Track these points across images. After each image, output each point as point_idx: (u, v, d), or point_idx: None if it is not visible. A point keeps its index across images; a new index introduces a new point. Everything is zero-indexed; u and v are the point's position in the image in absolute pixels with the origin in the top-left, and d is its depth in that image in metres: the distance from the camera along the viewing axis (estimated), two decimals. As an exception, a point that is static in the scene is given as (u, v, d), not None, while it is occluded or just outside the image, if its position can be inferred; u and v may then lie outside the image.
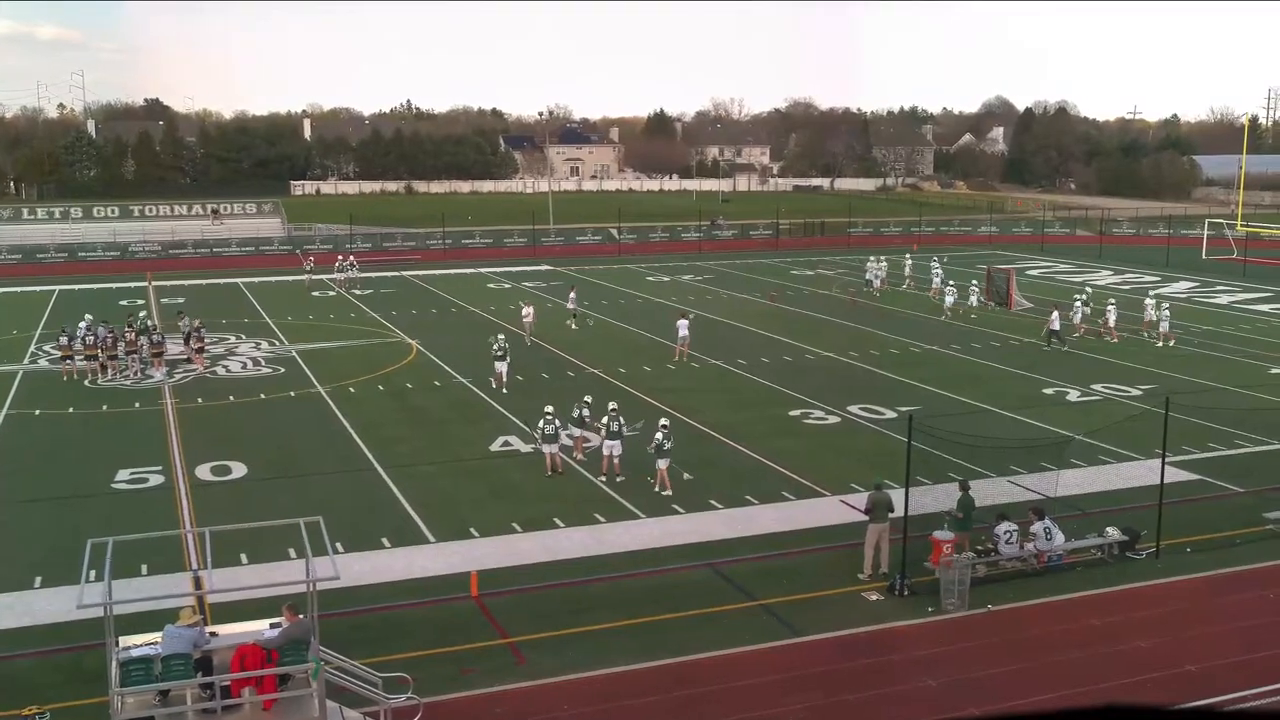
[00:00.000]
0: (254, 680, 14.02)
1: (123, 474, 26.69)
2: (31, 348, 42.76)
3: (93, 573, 15.11)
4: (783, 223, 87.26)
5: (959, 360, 39.98)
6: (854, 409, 32.52)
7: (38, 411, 32.94)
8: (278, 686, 14.13)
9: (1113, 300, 45.80)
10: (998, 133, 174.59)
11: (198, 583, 19.69)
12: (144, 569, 20.13)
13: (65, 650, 17.65)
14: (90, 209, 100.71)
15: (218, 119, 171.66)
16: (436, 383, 36.48)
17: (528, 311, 43.28)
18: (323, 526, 15.28)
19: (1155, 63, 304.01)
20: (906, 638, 18.29)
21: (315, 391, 35.31)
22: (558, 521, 23.35)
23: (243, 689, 14.00)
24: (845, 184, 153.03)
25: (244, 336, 45.16)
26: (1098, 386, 35.49)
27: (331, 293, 57.67)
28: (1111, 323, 43.60)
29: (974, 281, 51.92)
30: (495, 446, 28.96)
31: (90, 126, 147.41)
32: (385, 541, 22.27)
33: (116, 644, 14.13)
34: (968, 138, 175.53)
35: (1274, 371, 37.91)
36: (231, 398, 34.74)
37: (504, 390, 34.29)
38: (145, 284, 61.88)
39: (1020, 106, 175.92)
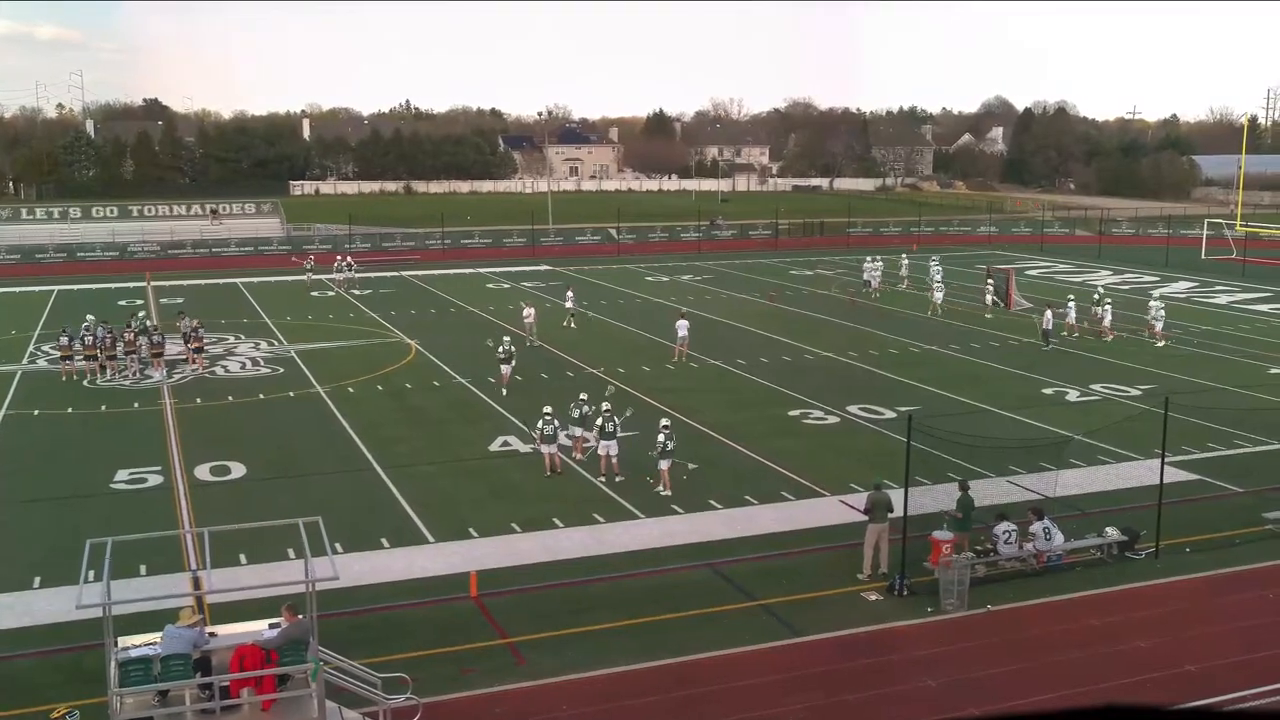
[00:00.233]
0: (253, 681, 14.01)
1: (122, 474, 26.68)
2: (30, 348, 42.74)
3: (92, 573, 15.11)
4: (782, 223, 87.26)
5: (958, 360, 39.99)
6: (853, 409, 32.52)
7: (36, 412, 32.93)
8: (277, 687, 14.12)
9: (1109, 300, 45.84)
10: (997, 133, 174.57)
11: (197, 583, 19.68)
12: (143, 569, 20.12)
13: (64, 650, 17.64)
14: (89, 209, 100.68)
15: (217, 119, 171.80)
16: (436, 383, 36.48)
17: (529, 312, 43.23)
18: (322, 527, 15.26)
19: (1155, 63, 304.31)
20: (906, 638, 18.28)
21: (314, 391, 35.30)
22: (557, 521, 23.34)
23: (242, 689, 13.99)
24: (844, 184, 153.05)
25: (243, 336, 45.14)
26: (1097, 386, 35.50)
27: (330, 293, 57.66)
28: (1107, 322, 43.63)
29: (989, 282, 51.52)
30: (494, 446, 28.95)
31: (89, 126, 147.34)
32: (384, 542, 22.27)
33: (115, 644, 14.12)
34: (967, 138, 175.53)
35: (1273, 371, 37.91)
36: (230, 398, 34.73)
37: (503, 391, 34.15)
38: (144, 284, 61.85)
39: (1019, 106, 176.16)
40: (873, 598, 19.77)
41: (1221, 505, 24.54)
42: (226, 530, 18.50)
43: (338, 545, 20.44)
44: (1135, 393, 34.47)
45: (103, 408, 33.49)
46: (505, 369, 34.58)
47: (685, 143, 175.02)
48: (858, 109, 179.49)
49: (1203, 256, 70.94)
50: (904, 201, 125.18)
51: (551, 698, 16.28)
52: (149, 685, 13.83)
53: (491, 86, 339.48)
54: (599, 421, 26.34)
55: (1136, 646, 18.01)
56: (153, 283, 62.25)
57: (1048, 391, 34.99)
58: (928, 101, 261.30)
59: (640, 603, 19.42)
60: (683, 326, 39.90)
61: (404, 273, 66.23)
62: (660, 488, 24.89)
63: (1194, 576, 20.77)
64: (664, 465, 24.90)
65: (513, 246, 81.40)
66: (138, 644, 14.45)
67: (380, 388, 35.82)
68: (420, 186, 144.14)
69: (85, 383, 36.43)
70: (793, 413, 32.36)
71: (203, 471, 26.92)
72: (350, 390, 35.40)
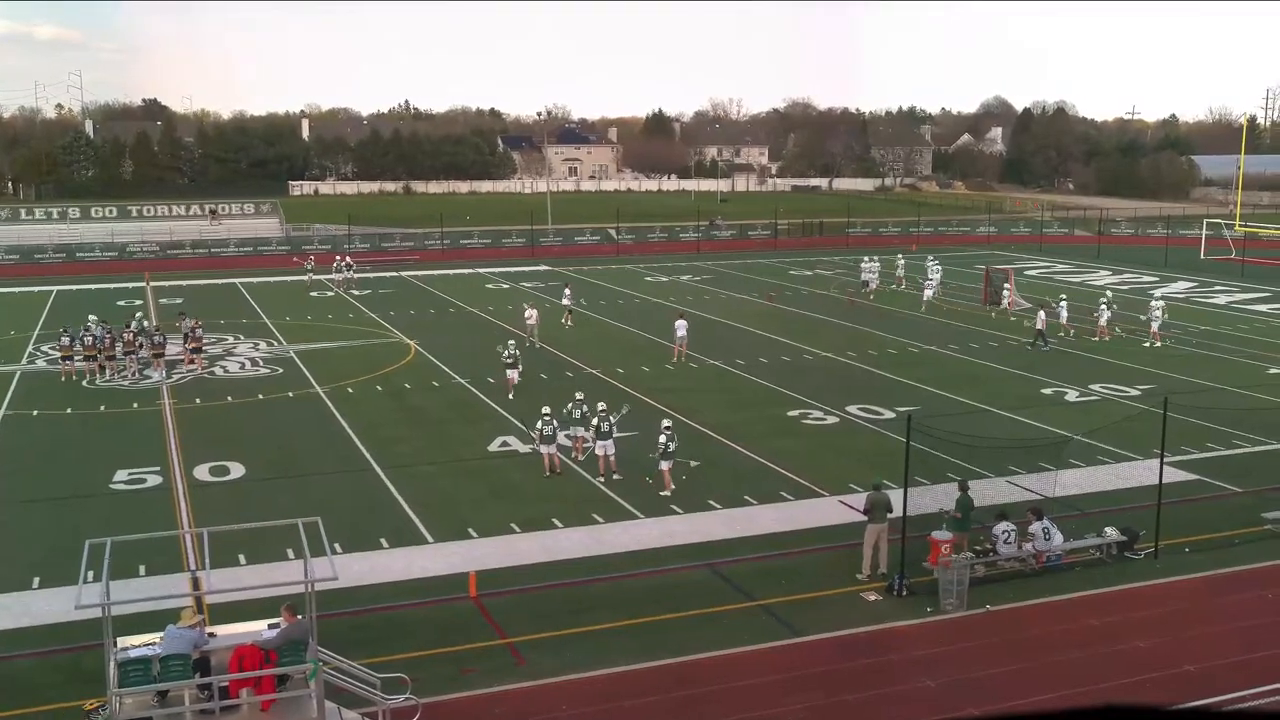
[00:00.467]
0: (252, 681, 14.01)
1: (121, 474, 26.67)
2: (29, 348, 42.72)
3: (91, 573, 15.10)
4: (781, 223, 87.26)
5: (957, 360, 39.99)
6: (853, 409, 32.52)
7: (35, 412, 32.92)
8: (276, 687, 14.13)
9: (1104, 300, 45.89)
10: (996, 133, 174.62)
11: (196, 583, 19.68)
12: (142, 569, 20.12)
13: (63, 651, 17.62)
14: (88, 209, 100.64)
15: (216, 119, 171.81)
16: (435, 383, 36.47)
17: (531, 314, 43.16)
18: (321, 527, 15.26)
19: (1154, 63, 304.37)
20: (905, 638, 18.28)
21: (313, 392, 35.29)
22: (556, 522, 23.34)
23: (241, 690, 13.99)
24: (843, 184, 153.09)
25: (242, 337, 45.13)
26: (1096, 387, 35.50)
27: (330, 293, 57.65)
28: (1103, 322, 43.67)
29: (1005, 284, 50.87)
30: (494, 447, 28.95)
31: (88, 126, 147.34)
32: (384, 542, 22.26)
33: (115, 645, 14.12)
34: (966, 138, 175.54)
35: (1272, 371, 37.92)
36: (230, 398, 34.72)
37: (509, 396, 33.61)
38: (144, 284, 61.83)
39: (1019, 106, 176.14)
40: (872, 598, 19.77)
41: (1220, 505, 24.55)
42: (226, 530, 18.49)
43: (337, 545, 20.42)
44: (1134, 393, 34.48)
45: (102, 408, 33.48)
46: (511, 374, 34.01)
47: (684, 143, 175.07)
48: (857, 109, 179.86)
49: (1202, 256, 70.96)
50: (903, 202, 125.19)
51: (551, 698, 16.28)
52: (148, 685, 13.83)
53: (491, 87, 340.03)
54: (594, 421, 26.34)
55: (1136, 646, 18.02)
56: (152, 283, 62.21)
57: (1047, 391, 35.00)
58: (927, 101, 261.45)
59: (640, 603, 19.41)
60: (681, 326, 39.89)
61: (403, 273, 66.23)
62: (663, 489, 24.85)
63: (1193, 576, 20.77)
64: (665, 466, 24.87)
65: (512, 247, 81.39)
66: (137, 644, 14.45)
67: (380, 388, 35.81)
68: (419, 187, 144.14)
69: (84, 383, 36.41)
70: (792, 413, 32.36)
71: (202, 472, 26.91)
72: (349, 390, 35.39)
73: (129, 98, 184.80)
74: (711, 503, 24.48)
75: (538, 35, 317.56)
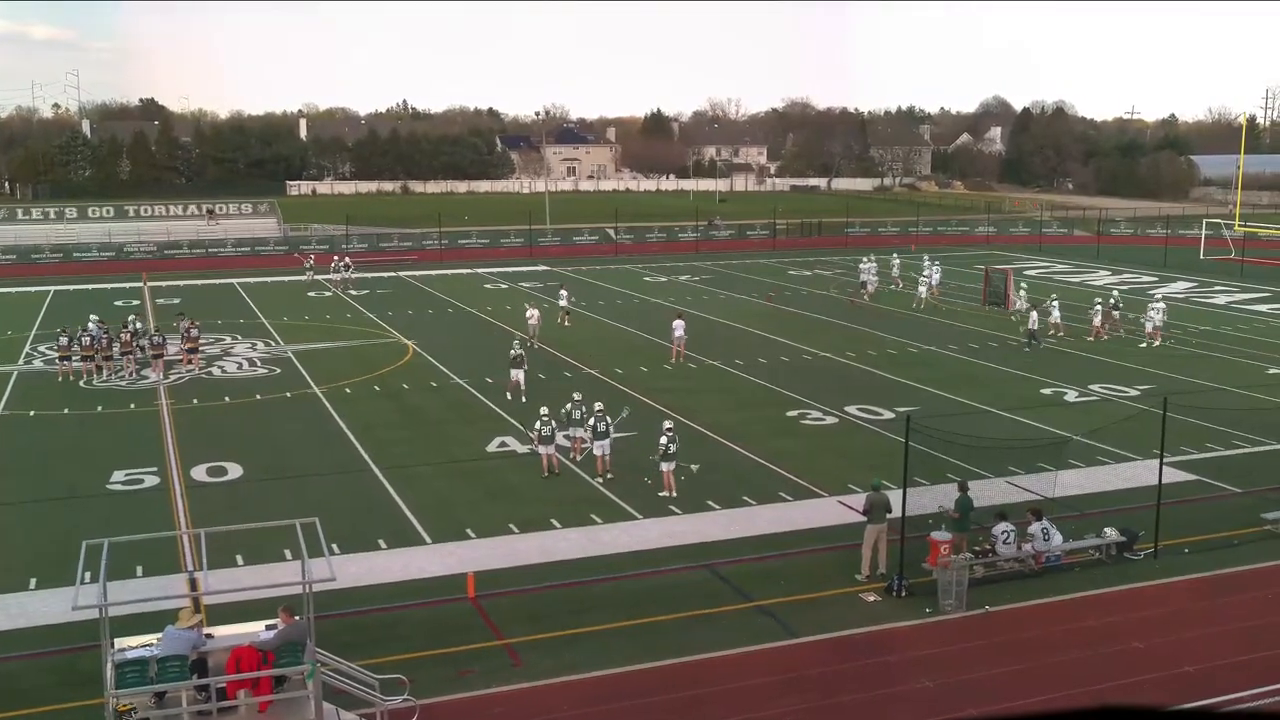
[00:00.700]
0: (250, 682, 13.96)
1: (118, 475, 26.61)
2: (26, 348, 42.66)
3: (88, 574, 15.06)
4: (780, 223, 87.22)
5: (957, 360, 39.96)
6: (852, 409, 32.49)
7: (32, 413, 32.86)
8: (273, 688, 14.08)
9: (1099, 300, 45.90)
10: (995, 133, 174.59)
11: (193, 584, 19.62)
12: (139, 570, 20.08)
13: (60, 652, 17.58)
14: (85, 209, 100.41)
15: (213, 119, 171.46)
16: (433, 383, 36.42)
17: (532, 314, 43.07)
18: (319, 527, 15.21)
19: (1153, 63, 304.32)
20: (904, 639, 18.25)
21: (311, 392, 35.23)
22: (555, 522, 23.29)
23: (238, 691, 13.94)
24: (842, 184, 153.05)
25: (240, 337, 45.07)
26: (1095, 387, 35.48)
27: (327, 293, 57.59)
28: (1097, 322, 43.68)
29: (1022, 285, 49.53)
30: (492, 447, 28.90)
31: (85, 126, 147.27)
32: (382, 543, 22.21)
33: (112, 646, 14.07)
34: (965, 138, 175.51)
35: (1272, 372, 37.90)
36: (227, 398, 34.67)
37: (514, 398, 33.13)
38: (141, 284, 61.77)
39: (1018, 106, 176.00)
40: (871, 599, 19.73)
41: (1220, 506, 24.52)
42: (223, 531, 18.46)
43: (335, 546, 20.37)
44: (1134, 393, 34.45)
45: (99, 408, 33.42)
46: (516, 374, 33.57)
47: (683, 143, 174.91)
48: (856, 109, 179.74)
49: (1201, 257, 70.95)
50: (902, 201, 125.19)
51: (549, 699, 16.24)
52: (145, 687, 13.77)
53: (489, 86, 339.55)
54: (590, 421, 26.29)
55: (1135, 647, 17.98)
56: (149, 283, 62.15)
57: (1046, 392, 34.97)
58: (926, 101, 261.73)
59: (638, 604, 19.37)
60: (679, 326, 39.85)
61: (401, 273, 66.17)
62: (662, 490, 24.76)
63: (1193, 577, 20.74)
64: (666, 468, 24.80)
65: (510, 247, 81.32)
66: (134, 645, 14.41)
67: (377, 388, 35.75)
68: (417, 186, 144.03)
69: (82, 383, 36.35)
70: (791, 413, 32.32)
71: (199, 472, 26.85)
72: (347, 391, 35.34)
73: (126, 97, 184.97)
74: (710, 503, 24.43)
75: (536, 35, 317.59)
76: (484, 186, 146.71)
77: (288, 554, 19.95)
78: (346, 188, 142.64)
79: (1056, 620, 18.97)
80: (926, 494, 21.83)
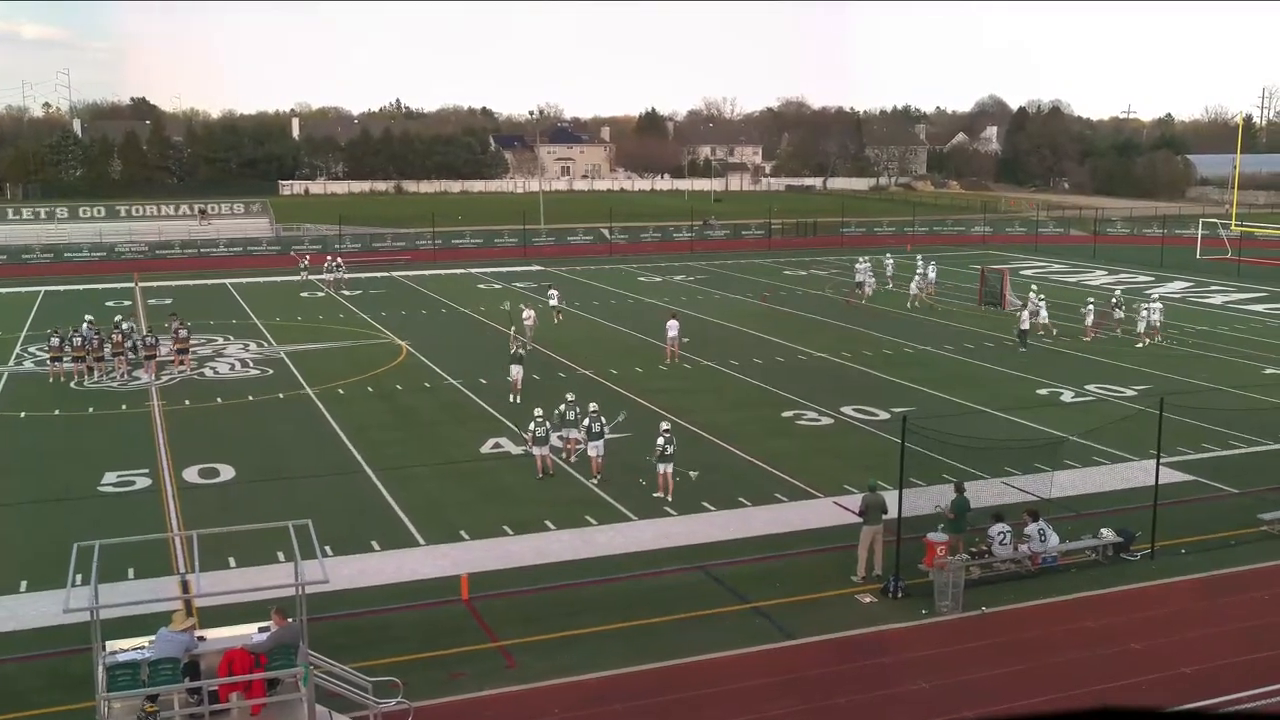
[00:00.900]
0: (242, 685, 13.85)
1: (109, 476, 26.47)
2: (17, 349, 42.47)
3: (79, 576, 14.92)
4: (775, 223, 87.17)
5: (952, 361, 39.90)
6: (847, 410, 32.40)
7: (23, 414, 32.69)
8: (266, 691, 13.96)
9: (1091, 300, 45.88)
10: (991, 132, 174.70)
11: (185, 586, 19.50)
12: (131, 573, 19.95)
13: (51, 655, 17.45)
14: (76, 209, 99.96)
15: (205, 118, 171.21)
16: (426, 384, 36.28)
17: (529, 314, 42.94)
18: (312, 529, 15.09)
19: (1149, 62, 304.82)
20: (900, 640, 18.17)
21: (304, 393, 35.09)
22: (549, 524, 23.18)
23: (230, 694, 13.83)
24: (838, 183, 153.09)
25: (232, 338, 44.91)
26: (1092, 387, 35.43)
27: (320, 294, 57.45)
28: (1089, 322, 43.66)
29: (1033, 289, 48.56)
30: (486, 448, 28.78)
31: (76, 126, 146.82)
32: (375, 544, 22.10)
33: (103, 649, 13.95)
34: (961, 137, 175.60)
35: (1269, 372, 37.88)
36: (219, 399, 34.52)
37: (517, 400, 32.94)
38: (132, 285, 61.59)
39: (1014, 106, 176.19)
40: (867, 600, 19.65)
41: (1217, 506, 24.46)
42: (215, 533, 18.33)
43: (328, 548, 20.22)
44: (1130, 393, 34.40)
45: (90, 410, 33.26)
46: (516, 370, 33.50)
47: (678, 142, 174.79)
48: (851, 108, 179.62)
49: (1198, 256, 70.96)
50: (898, 201, 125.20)
51: (542, 701, 16.14)
52: (137, 690, 13.65)
53: (482, 85, 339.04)
54: (585, 421, 26.18)
55: (1132, 648, 17.91)
56: (141, 283, 61.97)
57: (1042, 392, 34.91)
58: (922, 101, 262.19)
59: (632, 605, 19.28)
60: (673, 327, 39.75)
61: (394, 273, 66.04)
62: (662, 492, 24.61)
63: (1190, 578, 20.68)
64: (662, 469, 24.66)
65: (504, 246, 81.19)
66: (125, 648, 14.28)
67: (371, 389, 35.62)
68: (411, 186, 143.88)
69: (73, 384, 36.19)
70: (786, 414, 32.23)
71: (191, 474, 26.71)
72: (340, 392, 35.20)
73: (117, 97, 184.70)
74: (705, 504, 24.33)
75: (530, 33, 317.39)
76: (478, 186, 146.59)
77: (280, 556, 19.84)
78: (339, 187, 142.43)
79: (1053, 621, 18.90)
80: (922, 495, 21.74)
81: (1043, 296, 46.17)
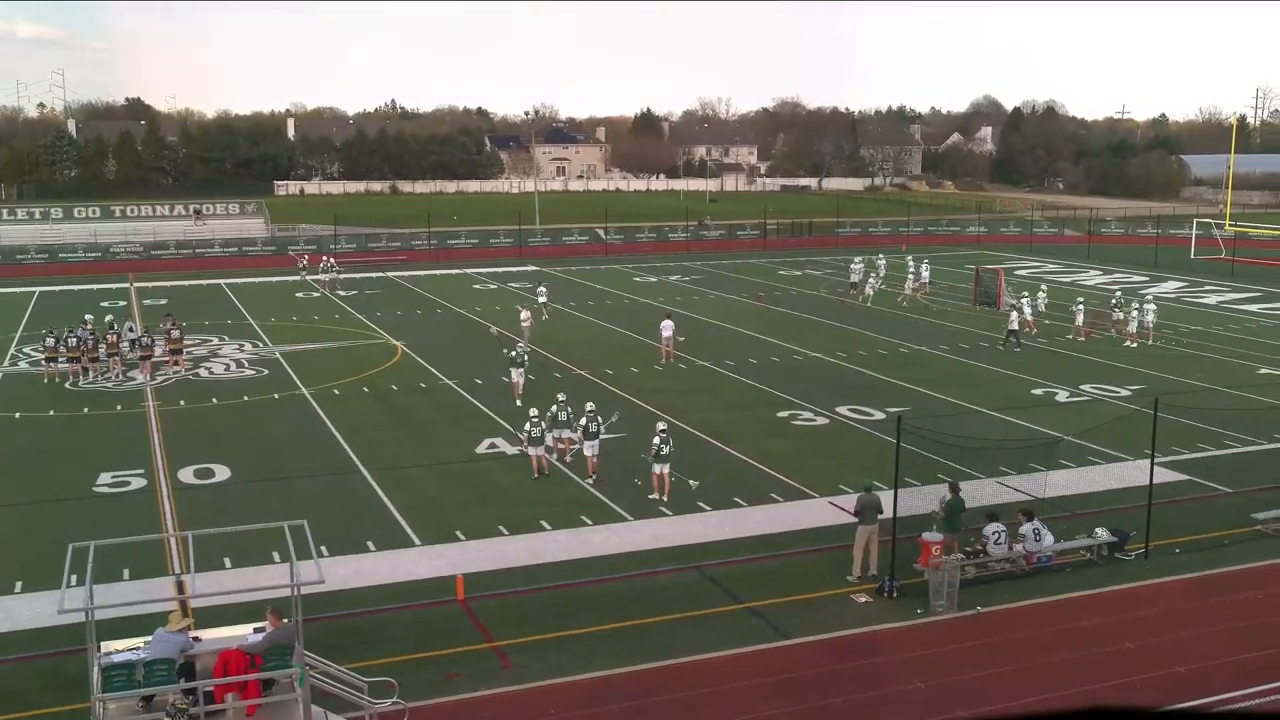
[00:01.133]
0: (237, 686, 13.85)
1: (104, 477, 26.44)
2: (12, 349, 42.40)
3: (74, 577, 14.94)
4: (770, 223, 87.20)
5: (947, 361, 39.94)
6: (842, 410, 32.43)
7: (18, 414, 32.64)
8: (261, 692, 13.97)
9: (1081, 299, 45.96)
10: (986, 132, 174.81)
11: (180, 587, 19.48)
12: (126, 573, 19.91)
13: (46, 656, 17.42)
14: (71, 209, 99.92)
15: (200, 118, 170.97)
16: (422, 384, 36.28)
17: (525, 315, 42.92)
18: (307, 530, 15.11)
19: (1143, 62, 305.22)
20: (895, 640, 18.20)
21: (299, 393, 35.07)
22: (544, 524, 23.18)
23: (226, 695, 13.83)
24: (833, 184, 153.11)
25: (227, 338, 44.86)
26: (1086, 387, 35.49)
27: (316, 294, 57.39)
28: (1079, 321, 43.74)
29: (1041, 289, 49.27)
30: (481, 449, 28.78)
31: (71, 126, 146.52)
32: (370, 545, 22.09)
33: (98, 649, 13.95)
34: (956, 137, 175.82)
35: (1263, 371, 37.96)
36: (214, 400, 34.48)
37: (517, 399, 32.77)
38: (127, 285, 61.50)
39: (1008, 106, 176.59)
40: (862, 600, 19.68)
41: (1211, 506, 24.51)
42: (211, 533, 18.32)
43: (323, 548, 20.26)
44: (1125, 393, 34.46)
45: (85, 410, 33.21)
46: (516, 374, 33.41)
47: (673, 142, 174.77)
48: (846, 108, 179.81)
49: (1192, 256, 71.08)
50: (893, 201, 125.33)
51: (537, 701, 16.15)
52: (132, 691, 13.65)
53: (478, 86, 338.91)
54: (582, 421, 26.18)
55: (1126, 648, 17.96)
56: (136, 284, 61.89)
57: (1037, 392, 34.96)
58: (916, 101, 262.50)
59: (627, 606, 19.29)
60: (667, 327, 39.75)
61: (390, 273, 65.99)
62: (659, 493, 24.58)
63: (1184, 577, 20.73)
64: (658, 469, 24.65)
65: (500, 247, 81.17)
66: (121, 649, 14.28)
67: (366, 389, 35.60)
68: (406, 186, 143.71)
69: (68, 385, 36.14)
70: (782, 414, 32.25)
71: (186, 474, 26.69)
72: (336, 392, 35.19)
73: (112, 97, 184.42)
74: (700, 505, 24.33)
75: (525, 34, 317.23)
76: (473, 186, 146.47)
77: (276, 556, 19.82)
78: (335, 188, 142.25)
79: (1048, 621, 18.93)
80: (917, 495, 21.77)
81: (1025, 293, 46.28)
